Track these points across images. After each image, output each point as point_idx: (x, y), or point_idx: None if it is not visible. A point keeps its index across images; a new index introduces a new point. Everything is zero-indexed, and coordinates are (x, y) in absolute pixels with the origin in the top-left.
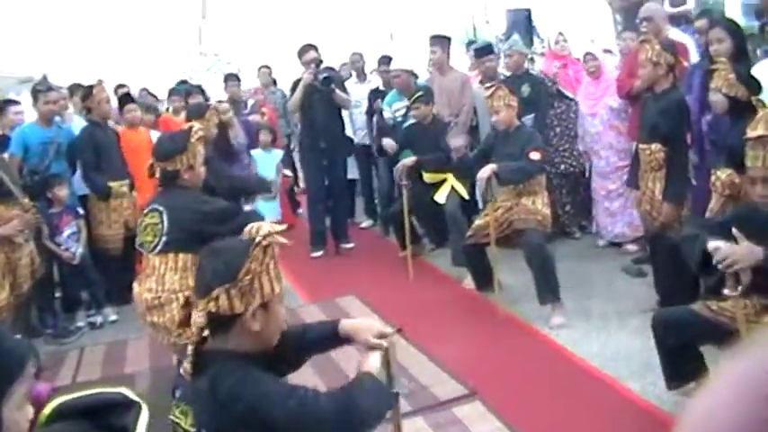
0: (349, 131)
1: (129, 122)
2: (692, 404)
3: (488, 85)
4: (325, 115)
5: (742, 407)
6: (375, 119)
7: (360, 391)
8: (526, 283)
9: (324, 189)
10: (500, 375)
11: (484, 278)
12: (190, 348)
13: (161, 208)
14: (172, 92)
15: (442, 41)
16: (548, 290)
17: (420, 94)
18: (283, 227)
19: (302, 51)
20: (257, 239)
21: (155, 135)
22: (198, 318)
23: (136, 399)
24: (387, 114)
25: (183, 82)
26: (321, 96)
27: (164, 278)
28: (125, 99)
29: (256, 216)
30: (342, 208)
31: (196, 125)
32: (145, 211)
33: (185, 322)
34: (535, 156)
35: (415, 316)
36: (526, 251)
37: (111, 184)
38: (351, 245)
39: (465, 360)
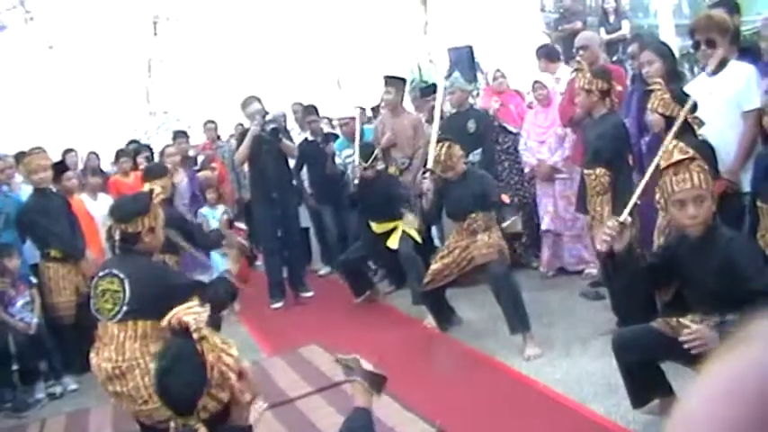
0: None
1: (67, 190)
2: (682, 401)
3: (439, 143)
4: (274, 165)
5: (730, 405)
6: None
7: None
8: (485, 318)
9: (278, 240)
10: (467, 411)
11: (445, 318)
12: None
13: (121, 275)
14: (120, 153)
15: (396, 83)
16: (518, 319)
17: (375, 155)
18: (202, 309)
19: (246, 103)
20: (198, 333)
21: (100, 199)
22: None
23: None
24: (337, 161)
25: (134, 142)
26: (269, 147)
27: (123, 346)
28: (60, 167)
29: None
30: (298, 257)
31: (157, 188)
32: (100, 274)
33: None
34: (506, 199)
35: (378, 359)
36: (493, 283)
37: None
38: (310, 293)
39: (431, 399)
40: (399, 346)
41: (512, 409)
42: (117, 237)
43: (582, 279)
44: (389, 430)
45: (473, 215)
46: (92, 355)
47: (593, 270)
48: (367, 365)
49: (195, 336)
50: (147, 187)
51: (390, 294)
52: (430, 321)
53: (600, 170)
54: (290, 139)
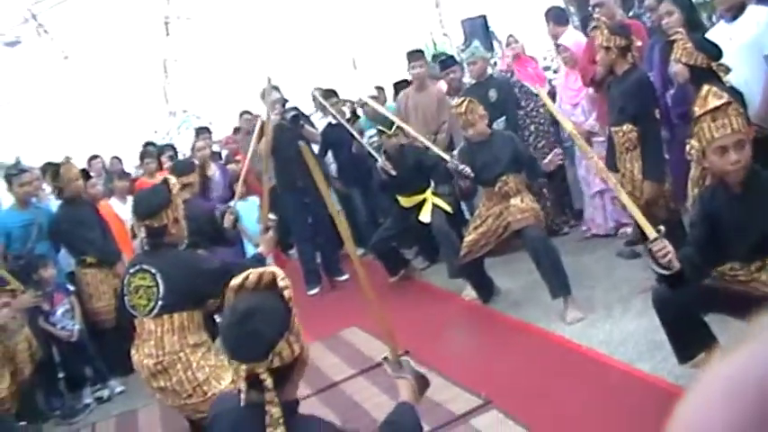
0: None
1: (93, 197)
2: (682, 403)
3: (458, 99)
4: (297, 154)
5: (730, 405)
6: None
7: (401, 421)
8: (524, 286)
9: (308, 227)
10: (513, 380)
11: (486, 289)
12: (276, 412)
13: (153, 269)
14: (144, 154)
15: (421, 56)
16: (559, 283)
17: (394, 126)
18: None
19: (264, 93)
20: (283, 286)
21: (129, 202)
22: (264, 377)
23: None
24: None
25: (150, 144)
26: (291, 135)
27: (162, 341)
28: (84, 175)
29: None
30: (330, 242)
31: (172, 177)
32: (131, 270)
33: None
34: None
35: (419, 336)
36: (531, 248)
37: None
38: (345, 276)
39: (475, 371)
40: (439, 320)
41: (557, 374)
42: (143, 234)
43: (617, 239)
44: (436, 405)
45: (503, 178)
46: (132, 352)
47: (627, 229)
48: (415, 366)
49: (282, 284)
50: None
51: (425, 270)
52: (468, 293)
53: (627, 126)
54: (312, 126)
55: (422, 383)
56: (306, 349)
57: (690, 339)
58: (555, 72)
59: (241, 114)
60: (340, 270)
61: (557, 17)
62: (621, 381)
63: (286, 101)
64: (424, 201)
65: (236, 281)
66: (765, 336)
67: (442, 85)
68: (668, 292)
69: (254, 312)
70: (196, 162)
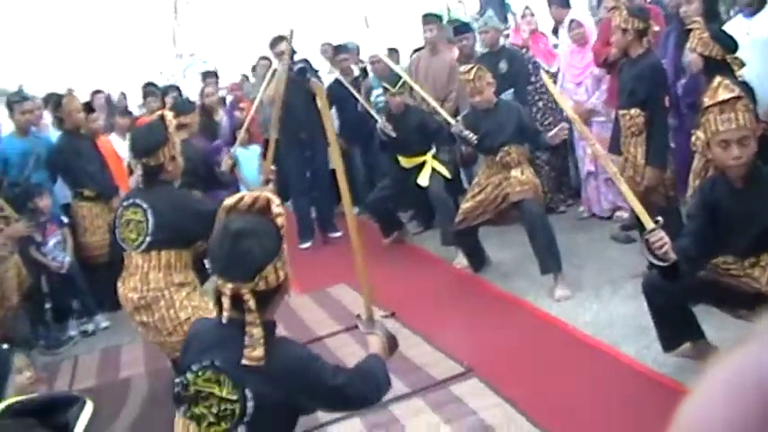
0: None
1: (93, 131)
2: (685, 402)
3: (467, 66)
4: (302, 106)
5: (734, 406)
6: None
7: (372, 368)
8: (515, 259)
9: (306, 180)
10: (495, 351)
11: (478, 258)
12: (256, 333)
13: (145, 205)
14: (147, 93)
15: (435, 20)
16: (551, 259)
17: (404, 81)
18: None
19: (274, 43)
20: (277, 213)
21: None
22: (249, 301)
23: (82, 396)
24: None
25: (150, 84)
26: (297, 87)
27: (147, 277)
28: (87, 109)
29: None
30: (326, 198)
31: (168, 113)
32: (125, 204)
33: (220, 310)
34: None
35: (407, 299)
36: (527, 221)
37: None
38: (338, 233)
39: (460, 339)
40: (428, 286)
41: (541, 350)
42: (139, 171)
43: (613, 222)
44: (418, 369)
45: (506, 148)
46: (119, 284)
47: (624, 213)
48: (387, 326)
49: (276, 210)
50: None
51: (419, 235)
52: (460, 262)
53: (635, 110)
54: (319, 80)
55: (392, 343)
56: (288, 277)
57: (676, 328)
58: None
59: (259, 60)
60: (334, 226)
61: (560, 0)
62: (604, 362)
63: (295, 52)
64: (423, 163)
65: (229, 201)
66: (764, 336)
67: (455, 52)
68: (660, 281)
69: (246, 234)
70: (197, 103)
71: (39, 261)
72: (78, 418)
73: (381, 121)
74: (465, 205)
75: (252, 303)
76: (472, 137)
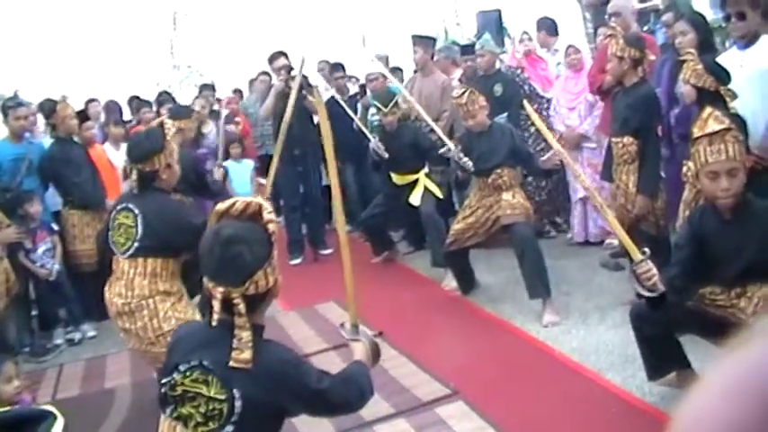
0: None
1: (87, 140)
2: (684, 403)
3: (459, 90)
4: (297, 122)
5: (731, 406)
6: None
7: (356, 374)
8: (504, 282)
9: (299, 196)
10: (482, 374)
11: (467, 281)
12: (245, 336)
13: (136, 210)
14: (139, 105)
15: (425, 42)
16: (540, 283)
17: (396, 100)
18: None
19: (272, 58)
20: (268, 219)
21: (123, 149)
22: (239, 305)
23: (52, 411)
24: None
25: (135, 98)
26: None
27: (133, 283)
28: (81, 117)
29: None
30: (318, 214)
31: (168, 121)
32: (118, 207)
33: (210, 312)
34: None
35: (395, 319)
36: (518, 245)
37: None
38: (329, 251)
39: (446, 360)
40: (416, 306)
41: (526, 374)
42: (134, 177)
43: (603, 249)
44: (404, 390)
45: (498, 171)
46: (105, 288)
47: (614, 240)
48: (371, 334)
49: (267, 216)
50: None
51: (409, 255)
52: (449, 284)
53: (628, 139)
54: (318, 95)
55: (375, 350)
56: (279, 282)
57: (663, 357)
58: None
59: (258, 75)
60: (325, 243)
61: (549, 27)
62: (589, 389)
63: (292, 68)
64: (416, 182)
65: (221, 206)
66: (764, 339)
67: (457, 72)
68: (647, 310)
69: (237, 239)
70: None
71: (27, 267)
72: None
73: (374, 141)
74: (456, 226)
75: (242, 307)
76: (470, 165)
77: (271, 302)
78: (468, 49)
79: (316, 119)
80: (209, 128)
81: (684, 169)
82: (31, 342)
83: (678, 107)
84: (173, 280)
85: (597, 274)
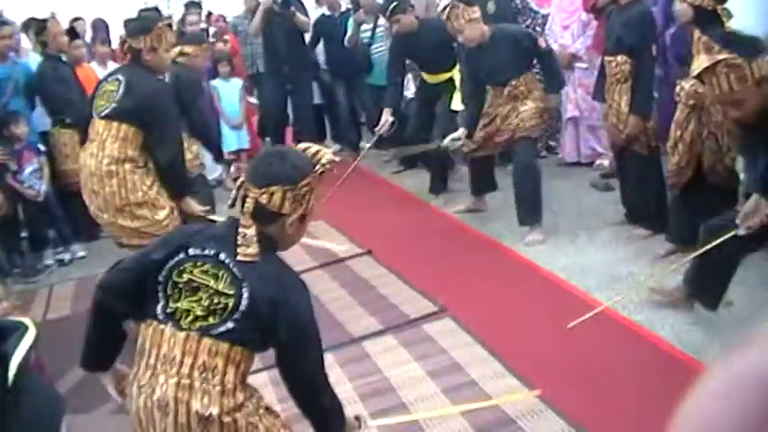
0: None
1: (76, 59)
2: (685, 401)
3: (442, 4)
4: (286, 39)
5: (731, 407)
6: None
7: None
8: (493, 200)
9: (285, 112)
10: (470, 292)
11: (485, 181)
12: (249, 233)
13: (122, 77)
14: (128, 21)
15: None
16: (532, 212)
17: (395, 4)
18: (337, 159)
19: None
20: (323, 162)
21: (110, 68)
22: (248, 202)
23: (25, 321)
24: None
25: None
26: (281, 20)
27: (105, 144)
28: (71, 35)
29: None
30: (307, 132)
31: (167, 25)
32: (108, 78)
33: (233, 203)
34: (542, 43)
35: (385, 238)
36: (517, 168)
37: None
38: None
39: (435, 279)
40: (406, 226)
41: (514, 293)
42: (125, 48)
43: (593, 170)
44: (392, 307)
45: (513, 82)
46: (81, 152)
47: (604, 161)
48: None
49: (323, 159)
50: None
51: (399, 174)
52: (458, 209)
53: (621, 57)
54: (306, 14)
55: None
56: (296, 224)
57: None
58: None
59: None
60: None
61: None
62: (575, 307)
63: None
64: (449, 83)
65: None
66: (766, 339)
67: None
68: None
69: (282, 154)
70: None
71: (15, 189)
72: (17, 347)
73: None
74: (478, 134)
75: (250, 207)
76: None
77: (284, 236)
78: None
79: (306, 37)
80: None
81: (677, 89)
82: (22, 263)
83: (674, 26)
84: (141, 152)
85: (587, 194)
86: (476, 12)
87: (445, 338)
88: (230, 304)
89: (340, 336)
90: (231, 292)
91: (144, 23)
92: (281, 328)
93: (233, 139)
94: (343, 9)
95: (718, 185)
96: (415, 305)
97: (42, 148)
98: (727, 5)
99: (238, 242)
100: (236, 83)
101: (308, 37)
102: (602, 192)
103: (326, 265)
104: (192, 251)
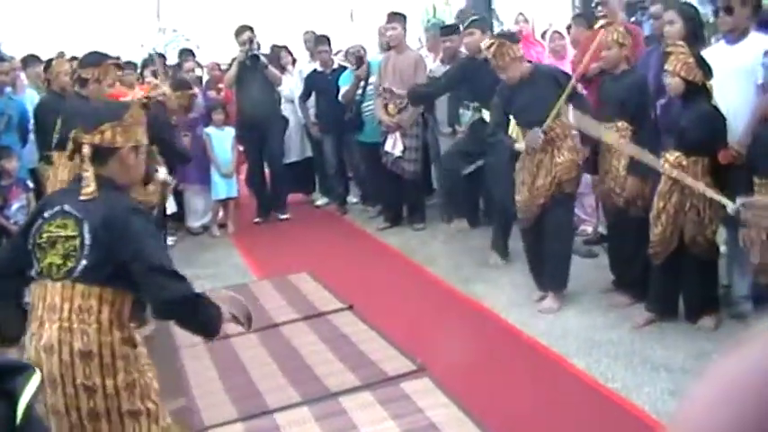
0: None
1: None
2: (682, 405)
3: (488, 42)
4: (258, 91)
5: (728, 410)
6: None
7: (205, 307)
8: (476, 262)
9: (260, 162)
10: (449, 352)
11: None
12: (87, 175)
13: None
14: (125, 65)
15: (400, 18)
16: (559, 277)
17: (476, 18)
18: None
19: (237, 32)
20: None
21: None
22: (85, 148)
23: (29, 365)
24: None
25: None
26: (254, 74)
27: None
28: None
29: None
30: (277, 181)
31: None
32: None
33: (72, 156)
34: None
35: (367, 293)
36: (550, 228)
37: None
38: (286, 216)
39: (415, 337)
40: (387, 282)
41: (494, 355)
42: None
43: (577, 236)
44: (370, 363)
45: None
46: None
47: (587, 228)
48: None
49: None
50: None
51: (383, 231)
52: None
53: (622, 123)
54: (281, 69)
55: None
56: (134, 161)
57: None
58: None
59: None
60: (284, 209)
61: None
62: (554, 372)
63: (251, 40)
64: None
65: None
66: (763, 340)
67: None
68: None
69: (100, 100)
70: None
71: (1, 224)
72: (25, 387)
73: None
74: (520, 198)
75: (87, 152)
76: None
77: (122, 169)
78: (447, 30)
79: (279, 89)
80: (196, 92)
81: (662, 161)
82: None
83: (665, 98)
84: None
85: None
86: (520, 50)
87: (422, 398)
88: (78, 243)
89: (318, 390)
90: (76, 232)
91: (96, 58)
92: (120, 244)
93: (222, 188)
94: (335, 66)
95: (698, 257)
96: (394, 363)
97: (31, 185)
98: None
99: (81, 185)
100: (230, 131)
101: (284, 89)
102: (584, 258)
103: (308, 318)
104: (46, 213)
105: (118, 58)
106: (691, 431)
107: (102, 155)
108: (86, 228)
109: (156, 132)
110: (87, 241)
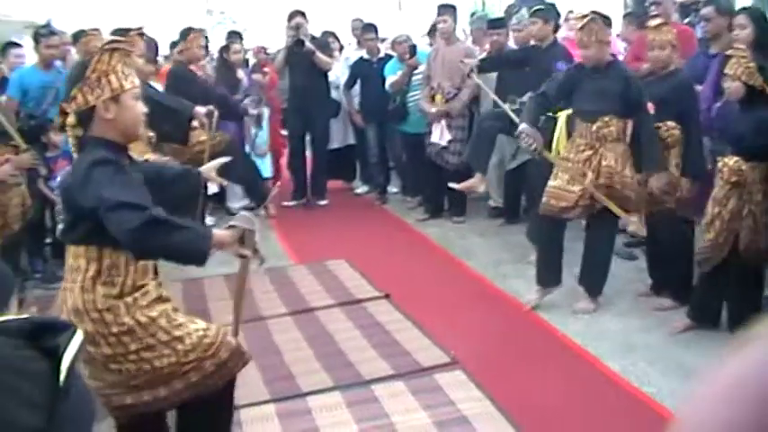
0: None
1: None
2: (686, 403)
3: (580, 15)
4: (306, 77)
5: (730, 409)
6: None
7: (179, 230)
8: (517, 258)
9: (302, 145)
10: (484, 347)
11: (553, 268)
12: (73, 140)
13: None
14: (173, 45)
15: (450, 10)
16: (600, 282)
17: (544, 6)
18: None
19: (290, 17)
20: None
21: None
22: (69, 118)
23: (73, 324)
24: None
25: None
26: (302, 59)
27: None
28: None
29: None
30: (319, 166)
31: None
32: None
33: (63, 127)
34: (651, 109)
35: (404, 284)
36: (595, 233)
37: None
38: (324, 202)
39: (450, 329)
40: (426, 274)
41: (528, 352)
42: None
43: (619, 236)
44: (406, 353)
45: (605, 118)
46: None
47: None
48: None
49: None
50: None
51: (422, 222)
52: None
53: (671, 123)
54: (330, 55)
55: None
56: (119, 111)
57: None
58: None
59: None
60: (323, 195)
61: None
62: (588, 373)
63: (300, 25)
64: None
65: None
66: (765, 340)
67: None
68: None
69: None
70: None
71: (45, 195)
72: (69, 344)
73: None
74: (552, 183)
75: (72, 119)
76: (533, 146)
77: (109, 129)
78: (495, 24)
79: (330, 75)
80: (241, 74)
81: (720, 165)
82: (43, 269)
83: (721, 101)
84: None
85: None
86: (609, 35)
87: (454, 390)
88: (60, 207)
89: (350, 376)
90: (61, 198)
91: (121, 31)
92: (81, 197)
93: (261, 166)
94: (381, 54)
95: (746, 266)
96: (428, 353)
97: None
98: None
99: (73, 143)
100: (265, 112)
101: (330, 76)
102: (624, 260)
103: (344, 305)
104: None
105: (140, 28)
106: (693, 428)
107: (85, 118)
108: (62, 190)
109: (205, 102)
110: (60, 204)
